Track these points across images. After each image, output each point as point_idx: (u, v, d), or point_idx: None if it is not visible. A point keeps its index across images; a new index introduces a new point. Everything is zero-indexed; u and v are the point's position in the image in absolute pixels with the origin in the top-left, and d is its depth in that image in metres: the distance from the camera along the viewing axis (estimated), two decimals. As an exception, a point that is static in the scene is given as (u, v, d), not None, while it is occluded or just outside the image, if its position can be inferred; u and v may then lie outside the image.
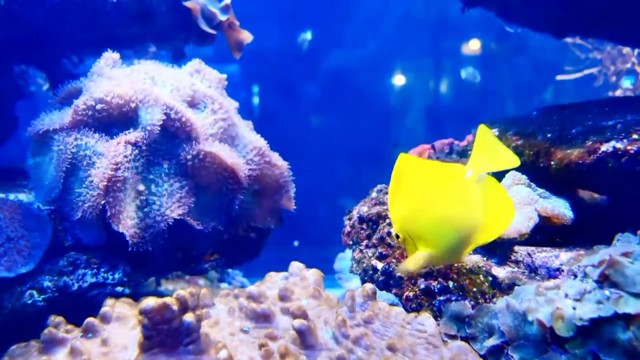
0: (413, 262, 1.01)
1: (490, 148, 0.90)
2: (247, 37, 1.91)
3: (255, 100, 4.39)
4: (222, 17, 1.83)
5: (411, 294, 1.22)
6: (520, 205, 1.20)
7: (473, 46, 4.41)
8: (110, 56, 1.45)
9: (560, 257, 1.12)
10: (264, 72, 4.25)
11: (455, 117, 4.21)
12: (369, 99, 4.43)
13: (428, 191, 0.95)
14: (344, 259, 2.51)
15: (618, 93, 3.24)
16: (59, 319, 1.15)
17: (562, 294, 0.97)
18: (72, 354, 1.03)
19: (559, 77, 3.35)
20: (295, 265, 1.25)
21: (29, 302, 1.23)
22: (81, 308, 1.20)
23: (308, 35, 3.83)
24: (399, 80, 4.56)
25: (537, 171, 1.29)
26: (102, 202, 1.21)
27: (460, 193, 0.92)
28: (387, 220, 1.40)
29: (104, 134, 1.29)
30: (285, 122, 4.27)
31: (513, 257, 1.17)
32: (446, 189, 0.93)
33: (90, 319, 1.10)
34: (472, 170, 0.91)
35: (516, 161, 0.87)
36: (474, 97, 4.37)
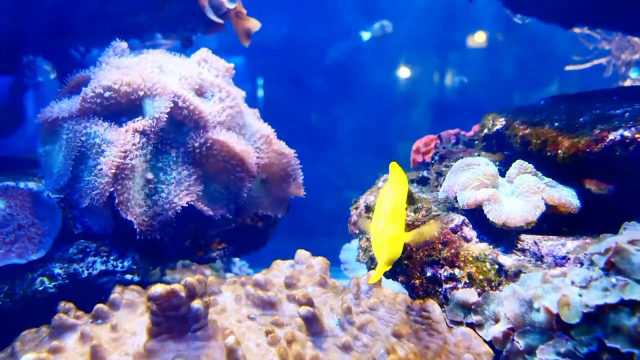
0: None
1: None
2: (255, 24, 1.90)
3: (260, 92, 4.38)
4: (230, 6, 1.82)
5: (417, 282, 1.23)
6: (527, 194, 1.20)
7: (479, 38, 4.37)
8: (119, 45, 1.45)
9: (567, 245, 1.11)
10: (268, 64, 4.24)
11: (461, 108, 4.18)
12: (374, 90, 4.42)
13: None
14: (350, 250, 2.52)
15: (628, 84, 3.19)
16: (69, 305, 1.16)
17: (569, 281, 0.98)
18: (82, 339, 1.04)
19: (568, 68, 3.30)
20: (302, 253, 1.25)
21: (40, 288, 1.24)
22: (91, 295, 1.22)
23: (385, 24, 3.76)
24: (404, 72, 4.53)
25: (544, 160, 1.29)
26: (110, 189, 1.21)
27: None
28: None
29: (112, 122, 1.29)
30: (289, 114, 4.27)
31: (519, 246, 1.16)
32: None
33: (99, 305, 1.11)
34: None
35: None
36: (480, 89, 4.34)
